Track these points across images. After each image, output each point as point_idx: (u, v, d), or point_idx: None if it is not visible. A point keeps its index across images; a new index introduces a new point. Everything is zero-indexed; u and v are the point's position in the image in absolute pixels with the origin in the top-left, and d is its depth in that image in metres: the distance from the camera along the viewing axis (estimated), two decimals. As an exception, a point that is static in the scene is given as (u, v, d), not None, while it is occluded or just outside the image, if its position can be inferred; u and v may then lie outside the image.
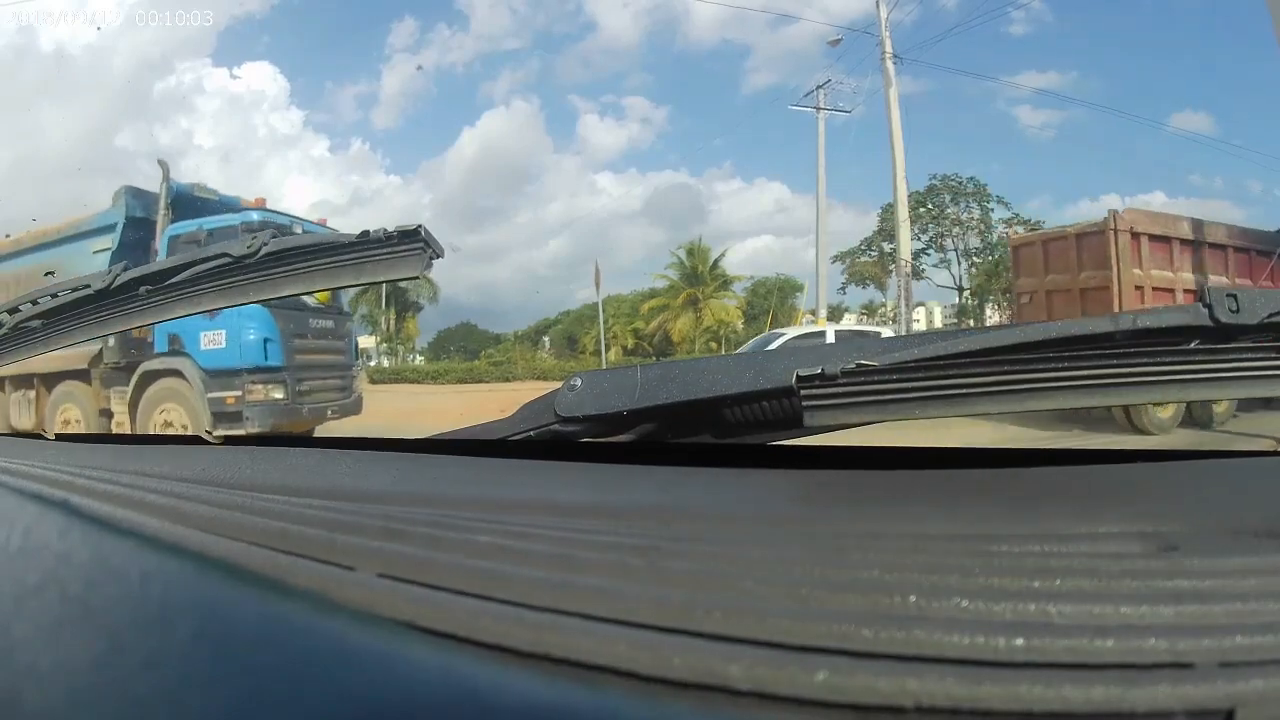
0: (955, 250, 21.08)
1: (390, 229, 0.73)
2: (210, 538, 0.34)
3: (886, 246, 20.32)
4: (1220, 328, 0.46)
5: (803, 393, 0.48)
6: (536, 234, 34.87)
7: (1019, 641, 0.25)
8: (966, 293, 20.98)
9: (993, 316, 19.87)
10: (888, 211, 20.60)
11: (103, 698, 0.23)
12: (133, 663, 0.25)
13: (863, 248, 21.96)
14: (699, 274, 22.23)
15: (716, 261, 22.86)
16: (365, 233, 0.73)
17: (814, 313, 19.01)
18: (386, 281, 0.76)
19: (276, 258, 0.74)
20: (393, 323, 24.85)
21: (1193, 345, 0.47)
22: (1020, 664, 0.25)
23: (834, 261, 20.84)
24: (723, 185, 31.97)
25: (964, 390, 0.48)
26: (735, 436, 0.61)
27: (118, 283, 0.76)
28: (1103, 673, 0.24)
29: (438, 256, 0.74)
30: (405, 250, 0.73)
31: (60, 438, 0.87)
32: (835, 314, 21.39)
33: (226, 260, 0.74)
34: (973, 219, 20.88)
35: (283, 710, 0.23)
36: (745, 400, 0.56)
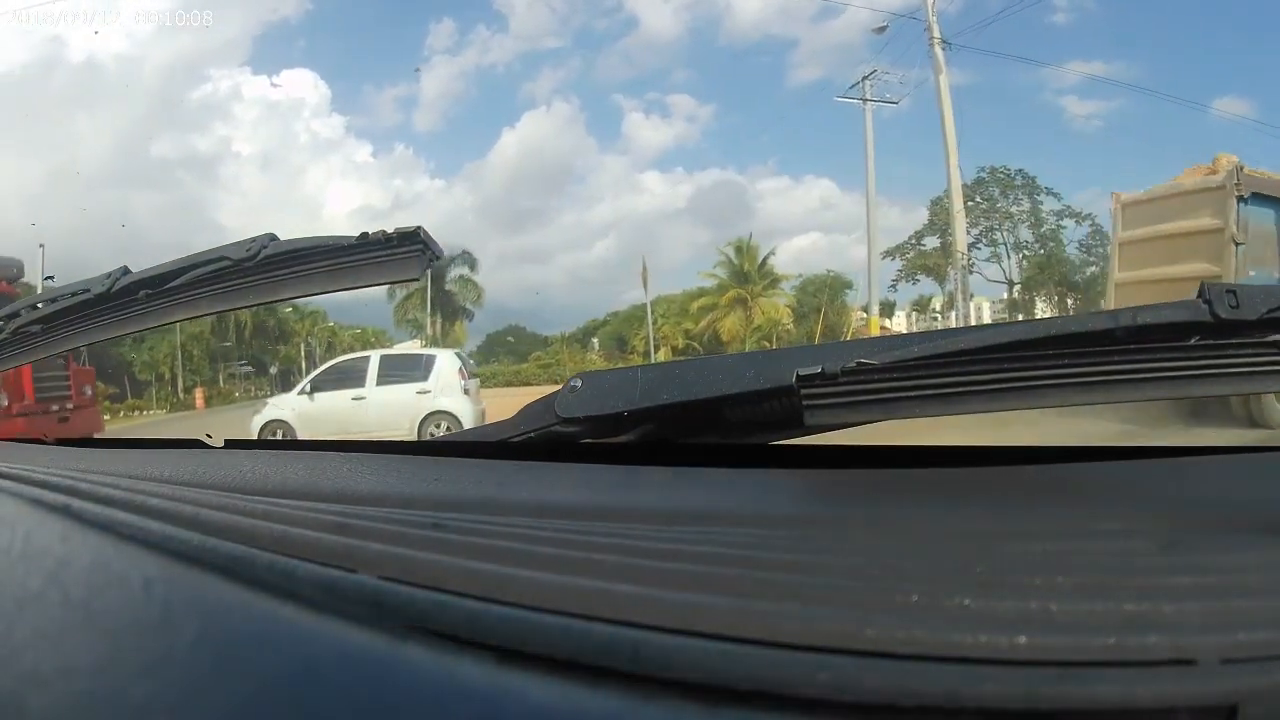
0: (1005, 244, 20.57)
1: (390, 231, 0.73)
2: (211, 541, 0.34)
3: (937, 241, 19.86)
4: (1220, 324, 0.46)
5: (803, 392, 0.48)
6: (583, 235, 34.86)
7: (1021, 639, 0.25)
8: (1017, 287, 20.45)
9: (1045, 311, 19.39)
10: (936, 205, 20.33)
11: (105, 702, 0.23)
12: (134, 667, 0.25)
13: (913, 242, 21.37)
14: (747, 272, 21.72)
15: (765, 259, 22.43)
16: (364, 235, 0.74)
17: (866, 309, 18.70)
18: (386, 284, 0.76)
19: (275, 261, 0.74)
20: (439, 327, 24.77)
21: (1192, 341, 0.47)
22: (1022, 661, 0.25)
23: (884, 257, 20.32)
24: (769, 183, 31.71)
25: (964, 389, 0.48)
26: (736, 436, 0.61)
27: (117, 286, 0.76)
28: (1105, 670, 0.24)
29: (437, 259, 0.74)
30: (405, 252, 0.72)
31: (60, 442, 0.87)
32: (886, 310, 20.93)
33: (225, 264, 0.74)
34: (1023, 212, 20.33)
35: (283, 713, 0.23)
36: (746, 400, 0.56)
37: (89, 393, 9.07)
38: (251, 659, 0.26)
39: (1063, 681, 0.24)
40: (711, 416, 0.59)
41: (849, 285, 22.24)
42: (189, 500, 0.41)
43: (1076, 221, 20.12)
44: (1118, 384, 0.48)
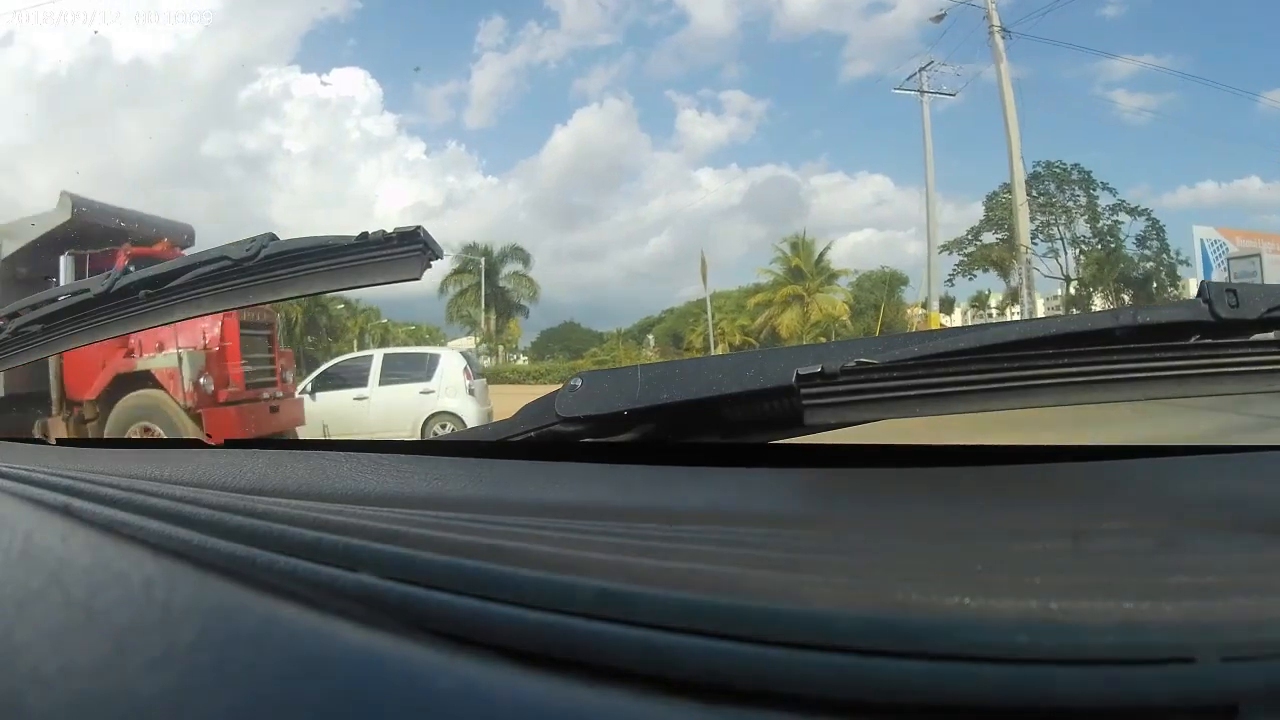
0: (1062, 239, 20.07)
1: (389, 230, 0.73)
2: (211, 540, 0.34)
3: (994, 236, 19.36)
4: (1220, 323, 0.46)
5: (802, 391, 0.48)
6: (637, 232, 34.31)
7: (1021, 638, 0.25)
8: (1074, 283, 19.87)
9: (1104, 308, 18.88)
10: (993, 200, 19.91)
11: (106, 701, 0.23)
12: (135, 666, 0.25)
13: (969, 237, 20.80)
14: (801, 269, 21.35)
15: (821, 255, 22.04)
16: (364, 234, 0.74)
17: (925, 305, 18.41)
18: (386, 283, 0.76)
19: (275, 260, 0.74)
20: (493, 324, 24.62)
21: (1192, 340, 0.47)
22: (1022, 660, 0.25)
23: (941, 252, 19.78)
24: (822, 179, 30.92)
25: (964, 387, 0.48)
26: (736, 436, 0.61)
27: (117, 286, 0.76)
28: (1105, 668, 0.24)
29: (437, 258, 0.74)
30: (404, 252, 0.73)
31: (61, 442, 0.87)
32: (946, 306, 20.42)
33: (226, 263, 0.74)
34: (1079, 207, 19.86)
35: (284, 713, 0.23)
36: (746, 399, 0.56)
37: (290, 379, 7.90)
38: (252, 658, 0.26)
39: (1063, 681, 0.24)
40: (711, 416, 0.59)
41: (904, 282, 21.99)
42: (189, 500, 0.41)
43: (1132, 217, 19.79)
44: (1118, 383, 0.48)
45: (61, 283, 6.13)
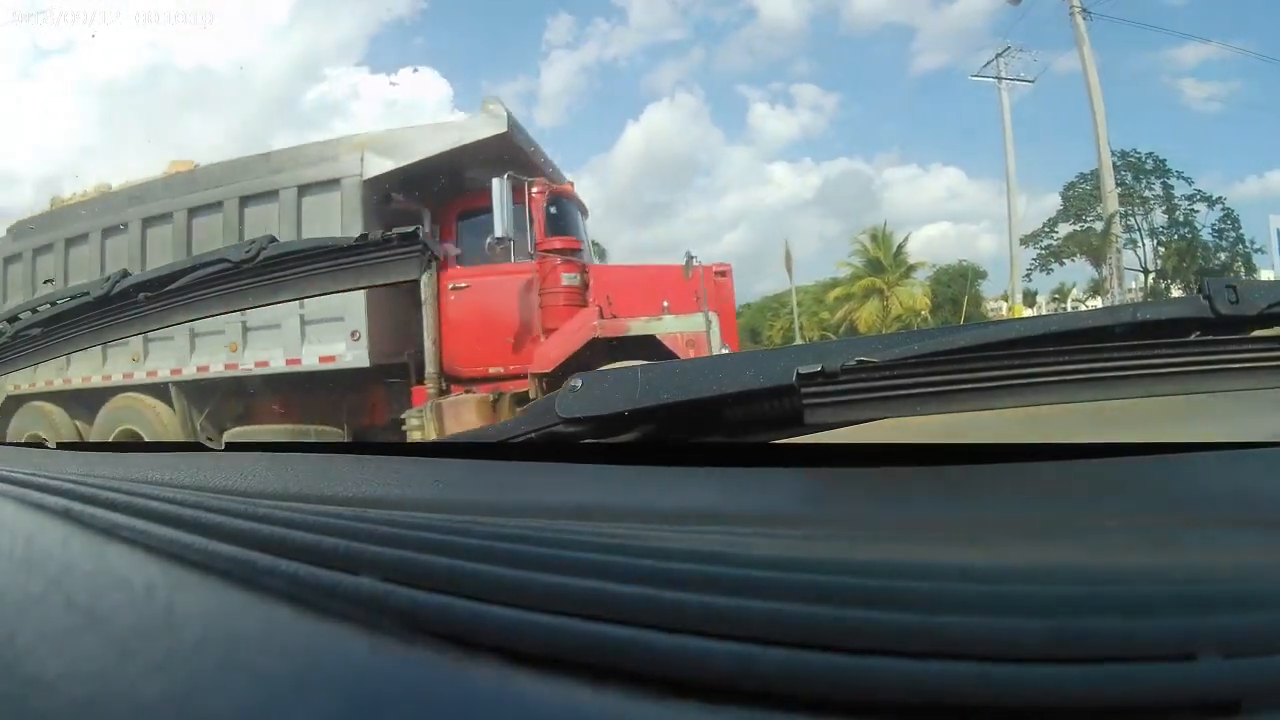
0: (1139, 230, 19.42)
1: (389, 232, 0.74)
2: (212, 544, 0.34)
3: (1071, 226, 19.00)
4: (1220, 319, 0.46)
5: (803, 390, 0.48)
6: (712, 228, 34.12)
7: (1022, 636, 0.25)
8: (1153, 275, 19.16)
9: None
10: (1070, 190, 19.46)
11: (107, 705, 0.23)
12: (137, 670, 0.25)
13: (1046, 229, 20.12)
14: (880, 262, 20.77)
15: (900, 247, 21.38)
16: (364, 236, 0.74)
17: (1009, 297, 18.05)
18: (385, 284, 0.76)
19: (275, 262, 0.74)
20: None
21: (1192, 337, 0.47)
22: (1023, 659, 0.25)
23: (1021, 244, 19.07)
24: (896, 172, 31.05)
25: (963, 386, 0.48)
26: (737, 435, 0.61)
27: (117, 289, 0.76)
28: (1106, 666, 0.24)
29: (436, 259, 0.74)
30: (404, 253, 0.73)
31: (61, 446, 0.87)
32: (1028, 299, 19.82)
33: (225, 266, 0.74)
34: (1156, 197, 19.34)
35: (286, 716, 0.23)
36: (746, 399, 0.56)
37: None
38: (253, 662, 0.26)
39: (1064, 679, 0.24)
40: (712, 416, 0.59)
41: (983, 275, 21.58)
42: (190, 504, 0.41)
43: (1208, 205, 19.20)
44: (1118, 380, 0.48)
45: (495, 209, 4.61)
